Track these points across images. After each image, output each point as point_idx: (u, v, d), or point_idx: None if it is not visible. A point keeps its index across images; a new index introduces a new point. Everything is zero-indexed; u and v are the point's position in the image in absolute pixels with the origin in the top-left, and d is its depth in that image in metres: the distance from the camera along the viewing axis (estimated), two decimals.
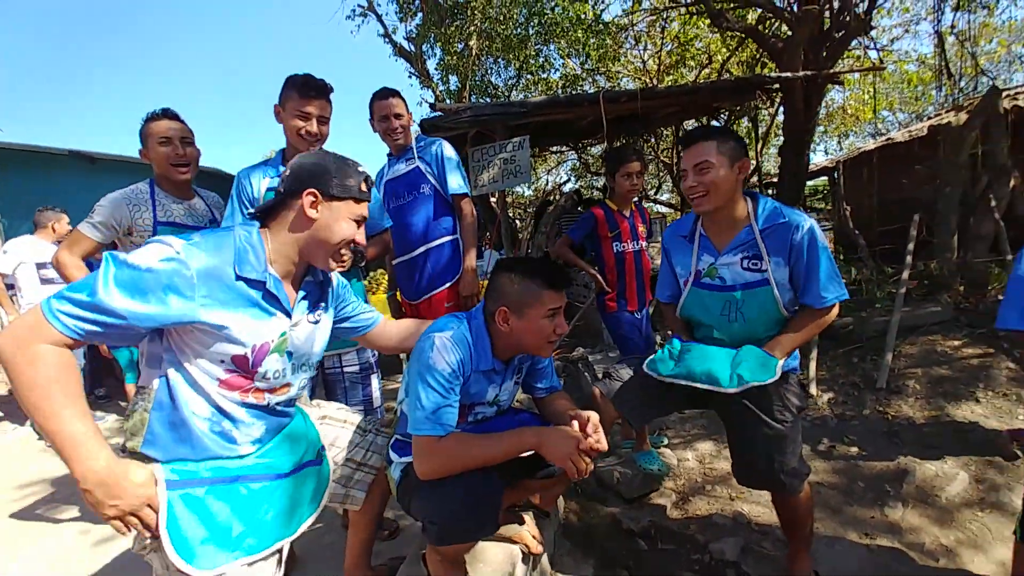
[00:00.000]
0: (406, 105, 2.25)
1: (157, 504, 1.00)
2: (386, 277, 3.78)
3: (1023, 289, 1.42)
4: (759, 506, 2.23)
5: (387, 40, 11.01)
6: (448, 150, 2.28)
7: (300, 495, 1.25)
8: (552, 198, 9.90)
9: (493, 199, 5.48)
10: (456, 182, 2.25)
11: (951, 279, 3.50)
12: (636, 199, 2.66)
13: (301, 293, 1.24)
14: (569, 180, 14.17)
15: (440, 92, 11.17)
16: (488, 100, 10.61)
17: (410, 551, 1.77)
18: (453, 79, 11.02)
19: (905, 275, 3.44)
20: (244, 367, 1.10)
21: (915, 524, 2.09)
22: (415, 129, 2.46)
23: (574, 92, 9.58)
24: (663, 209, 13.42)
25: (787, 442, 1.62)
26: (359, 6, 10.66)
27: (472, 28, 9.30)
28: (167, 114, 1.91)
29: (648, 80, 9.68)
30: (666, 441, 2.85)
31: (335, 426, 1.51)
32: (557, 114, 4.99)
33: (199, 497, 1.06)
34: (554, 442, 1.31)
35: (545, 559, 1.91)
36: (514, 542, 1.70)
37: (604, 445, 1.34)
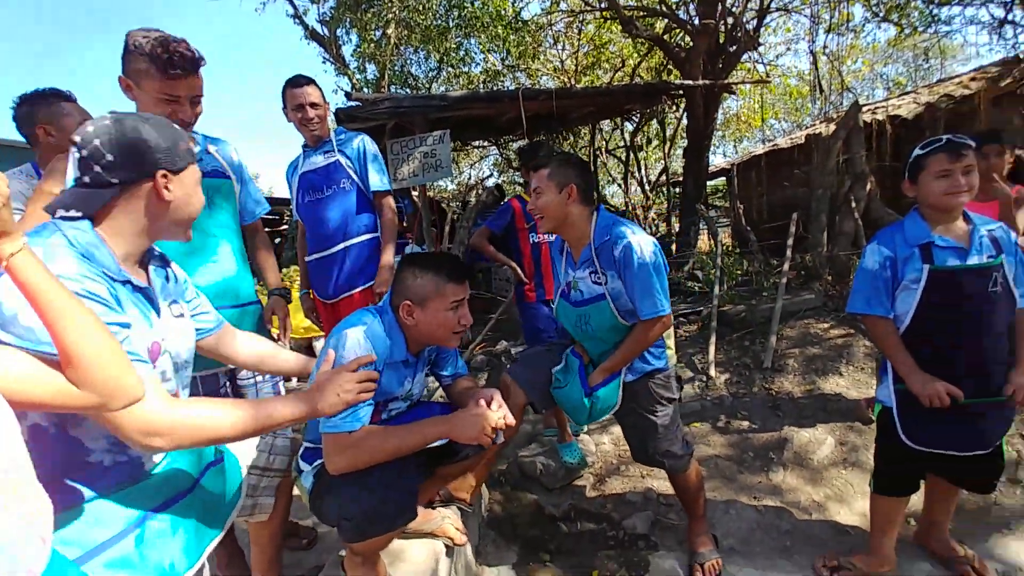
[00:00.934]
0: (322, 94, 2.18)
1: None
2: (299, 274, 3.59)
3: (866, 279, 1.67)
4: (665, 481, 2.42)
5: (297, 21, 10.32)
6: (371, 146, 2.23)
7: (212, 499, 1.18)
8: (475, 193, 9.92)
9: (415, 192, 5.38)
10: (378, 179, 2.21)
11: (821, 270, 4.02)
12: None
13: (159, 281, 1.13)
14: (491, 175, 14.26)
15: (357, 80, 10.71)
16: (408, 91, 10.35)
17: (329, 559, 1.72)
18: (371, 68, 10.62)
19: (785, 267, 3.89)
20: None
21: (793, 485, 2.40)
22: (331, 120, 2.37)
23: (495, 88, 9.64)
24: None
25: (658, 429, 1.81)
26: None
27: (390, 15, 9.00)
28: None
29: (566, 80, 9.98)
30: (585, 428, 2.99)
31: None
32: (477, 109, 5.02)
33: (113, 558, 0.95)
34: (462, 425, 1.38)
35: (469, 550, 1.95)
36: (436, 536, 1.72)
37: (511, 419, 1.43)
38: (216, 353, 1.34)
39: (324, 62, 10.92)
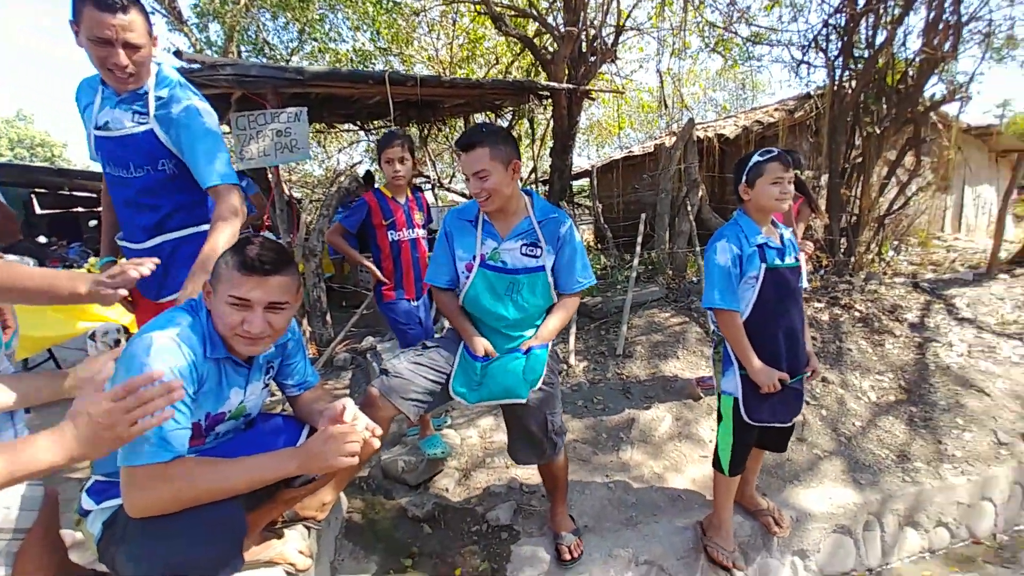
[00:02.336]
0: (147, 25, 1.52)
1: None
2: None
3: (721, 275, 1.82)
4: (527, 470, 2.49)
5: None
6: (208, 118, 1.65)
7: None
8: (343, 179, 9.26)
9: (270, 174, 4.80)
10: (218, 169, 1.63)
11: (664, 265, 4.53)
12: (425, 188, 2.66)
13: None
14: (362, 161, 13.47)
15: (197, 40, 9.26)
16: (263, 60, 9.25)
17: None
18: (216, 28, 9.25)
19: (635, 262, 4.30)
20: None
21: (639, 460, 2.64)
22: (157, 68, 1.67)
23: (363, 68, 9.09)
24: (457, 198, 13.91)
25: (555, 401, 1.87)
26: None
27: None
28: None
29: (440, 70, 9.82)
30: (449, 421, 2.95)
31: None
32: (339, 87, 4.64)
33: None
34: (315, 454, 1.15)
35: (319, 570, 1.77)
36: (275, 564, 1.52)
37: (377, 428, 1.25)
38: None
39: (153, 13, 9.21)
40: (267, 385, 1.39)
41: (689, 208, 4.57)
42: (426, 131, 9.11)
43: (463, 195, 12.78)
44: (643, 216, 4.69)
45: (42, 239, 6.07)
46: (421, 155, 11.57)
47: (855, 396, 3.04)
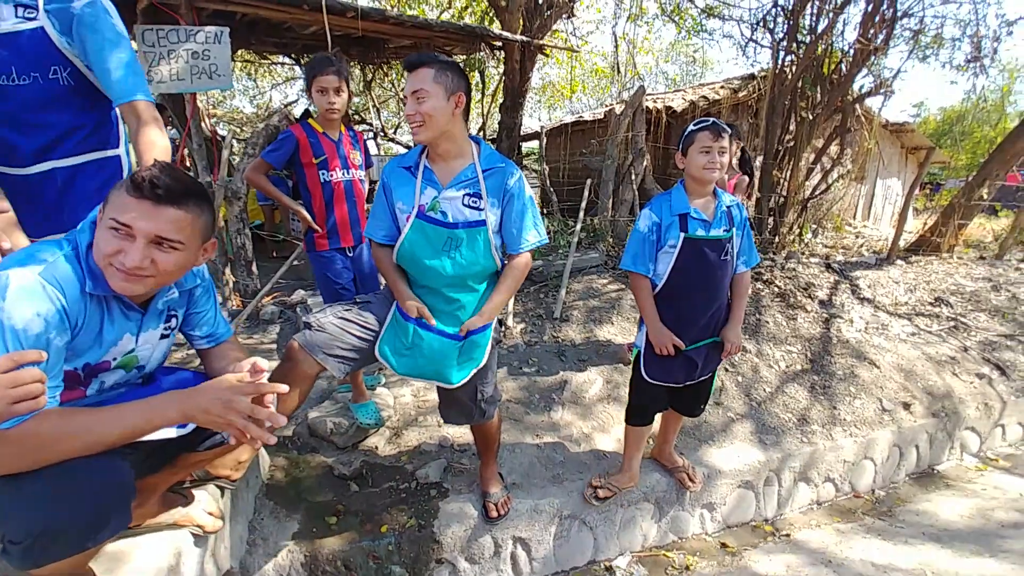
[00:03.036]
0: None
1: None
2: None
3: (636, 241, 1.91)
4: (459, 429, 2.49)
5: None
6: (117, 19, 1.39)
7: None
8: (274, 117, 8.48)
9: (186, 102, 4.26)
10: (137, 83, 1.39)
11: (605, 232, 4.60)
12: (368, 138, 2.44)
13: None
14: (298, 100, 12.40)
15: None
16: None
17: None
18: None
19: (578, 227, 4.32)
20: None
21: (569, 421, 2.72)
22: None
23: None
24: (402, 150, 13.26)
25: (487, 372, 1.81)
26: None
27: None
28: None
29: (389, 6, 9.07)
30: (383, 380, 2.88)
31: None
32: (267, 9, 4.14)
33: None
34: (204, 405, 0.97)
35: (229, 533, 1.68)
36: (180, 526, 1.42)
37: (280, 388, 1.06)
38: None
39: None
40: (167, 335, 1.23)
41: (634, 177, 4.62)
42: (370, 74, 8.49)
43: (408, 146, 12.21)
44: (588, 182, 4.69)
45: None
46: (364, 101, 10.78)
47: (767, 365, 3.29)
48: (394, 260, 1.70)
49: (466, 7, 8.73)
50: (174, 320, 1.24)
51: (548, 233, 5.06)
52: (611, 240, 4.55)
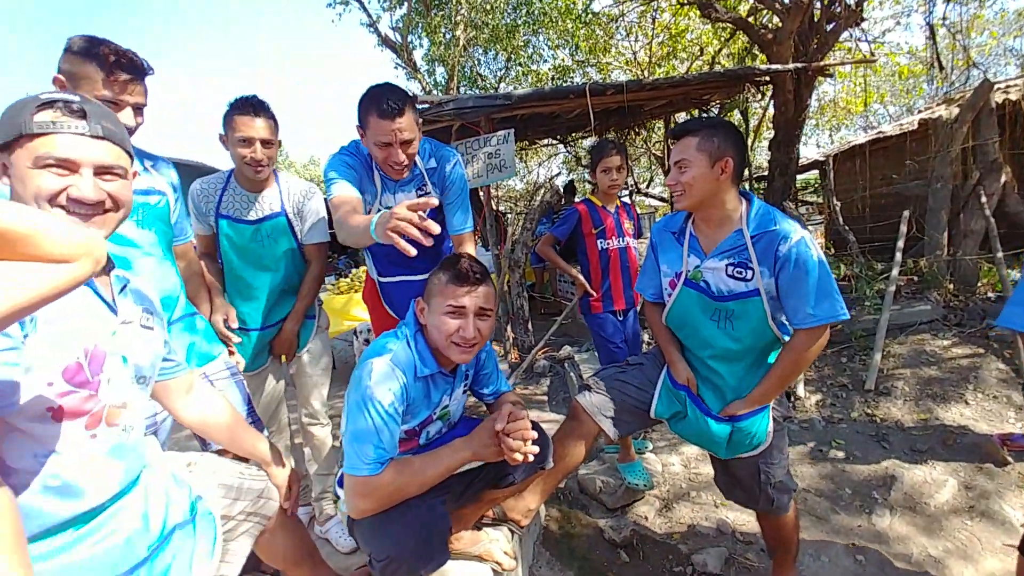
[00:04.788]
0: (417, 117, 1.64)
1: None
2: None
3: None
4: (744, 514, 2.16)
5: (372, 29, 10.76)
6: (465, 178, 1.89)
7: (177, 569, 1.04)
8: (542, 192, 9.81)
9: (481, 193, 5.36)
10: (466, 221, 1.85)
11: (940, 277, 3.44)
12: (623, 195, 2.59)
13: (118, 286, 1.04)
14: (560, 173, 14.05)
15: (427, 84, 10.98)
16: (476, 91, 10.46)
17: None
18: (440, 70, 10.84)
19: (895, 272, 3.38)
20: (78, 379, 0.87)
21: (902, 533, 2.04)
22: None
23: (563, 84, 9.45)
24: (654, 203, 13.32)
25: (773, 452, 1.56)
26: None
27: (459, 17, 9.11)
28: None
29: (639, 72, 9.56)
30: (651, 447, 2.77)
31: (204, 472, 1.25)
32: (543, 106, 4.88)
33: None
34: (480, 443, 1.29)
35: (520, 573, 1.83)
36: (484, 560, 1.62)
37: (530, 434, 1.28)
38: (165, 400, 1.23)
39: (396, 67, 11.32)
40: (466, 391, 1.55)
41: (984, 200, 3.39)
42: (623, 137, 8.99)
43: (661, 199, 12.21)
44: (905, 214, 3.67)
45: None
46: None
47: None
48: (663, 322, 1.66)
49: (719, 50, 8.41)
50: (468, 379, 1.54)
51: (846, 279, 4.15)
52: (950, 287, 3.40)
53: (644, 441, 2.79)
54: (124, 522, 0.95)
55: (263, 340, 1.95)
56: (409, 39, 10.75)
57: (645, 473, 2.40)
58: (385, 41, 10.89)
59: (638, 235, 2.63)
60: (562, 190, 6.29)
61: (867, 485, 2.27)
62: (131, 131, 1.38)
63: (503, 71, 10.95)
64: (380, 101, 1.49)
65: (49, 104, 0.88)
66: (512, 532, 1.85)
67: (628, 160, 2.47)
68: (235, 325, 1.81)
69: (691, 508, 2.34)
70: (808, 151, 10.75)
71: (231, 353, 1.78)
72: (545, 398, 3.74)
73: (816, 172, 9.71)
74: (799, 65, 4.64)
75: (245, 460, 1.39)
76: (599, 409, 1.64)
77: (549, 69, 10.44)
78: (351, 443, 1.21)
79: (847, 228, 4.51)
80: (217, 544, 1.15)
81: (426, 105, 4.84)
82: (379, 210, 1.78)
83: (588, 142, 10.38)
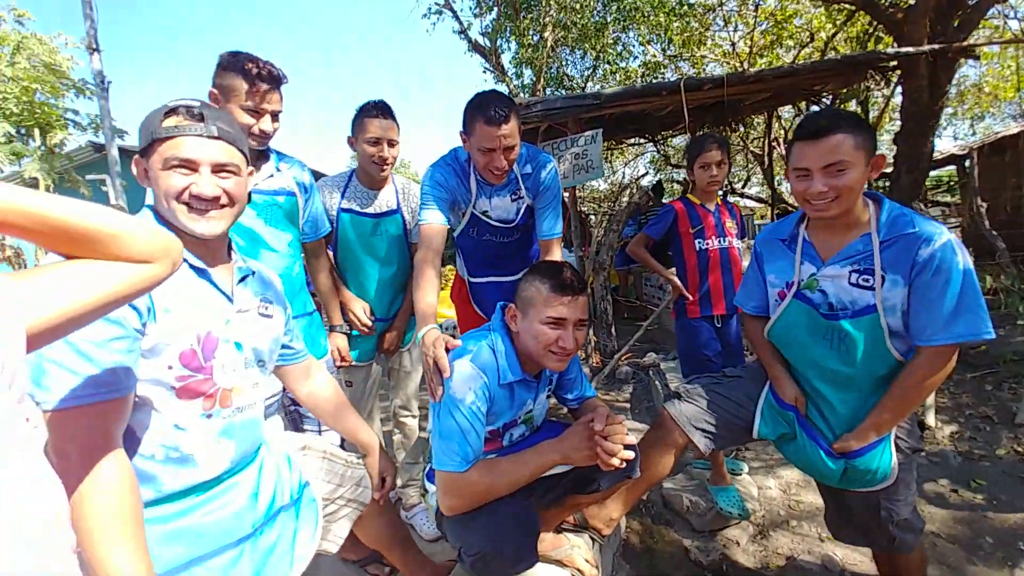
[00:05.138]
0: (519, 124, 1.67)
1: None
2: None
3: None
4: (856, 552, 1.93)
5: (463, 36, 11.14)
6: (557, 179, 1.98)
7: (278, 547, 1.12)
8: (628, 192, 9.53)
9: (565, 194, 5.34)
10: (556, 225, 1.92)
11: None
12: (722, 194, 2.42)
13: (238, 277, 1.12)
14: (647, 173, 13.57)
15: (515, 87, 11.14)
16: (563, 92, 10.42)
17: (457, 565, 1.73)
18: (528, 72, 10.95)
19: None
20: (194, 364, 0.97)
21: None
22: None
23: (653, 80, 9.11)
24: (752, 204, 12.40)
25: (899, 488, 1.38)
26: (435, 3, 10.89)
27: (547, 19, 9.14)
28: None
29: (737, 64, 8.95)
30: (746, 468, 2.57)
31: (315, 456, 1.35)
32: (633, 105, 4.73)
33: None
34: (572, 446, 1.26)
35: None
36: (564, 566, 1.60)
37: (627, 439, 1.26)
38: (293, 387, 1.37)
39: (484, 72, 11.62)
40: (549, 396, 1.55)
41: None
42: (718, 134, 8.45)
43: (760, 199, 11.32)
44: None
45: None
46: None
47: None
48: (766, 337, 1.53)
49: (834, 34, 7.59)
50: (551, 383, 1.54)
51: (993, 293, 3.55)
52: None
53: (738, 462, 2.59)
54: (235, 497, 1.06)
55: (379, 332, 2.09)
56: (498, 43, 10.98)
57: (741, 502, 2.21)
58: (475, 47, 11.23)
59: (743, 235, 2.43)
60: (651, 190, 6.07)
61: (1013, 535, 1.93)
62: (268, 136, 1.54)
63: (590, 70, 10.81)
64: (487, 108, 1.51)
65: (174, 111, 0.99)
66: (593, 540, 1.82)
67: (729, 155, 2.30)
68: (371, 317, 1.97)
69: (791, 538, 2.13)
70: (943, 144, 9.38)
71: (350, 339, 1.94)
72: (627, 405, 3.63)
73: (952, 168, 8.45)
74: (937, 47, 4.05)
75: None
76: (689, 420, 1.55)
77: (639, 66, 10.13)
78: (439, 441, 1.26)
79: (994, 233, 3.86)
80: (318, 528, 1.25)
81: None
82: (472, 214, 1.85)
83: (678, 140, 9.94)
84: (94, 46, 4.44)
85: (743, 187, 12.15)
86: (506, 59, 11.36)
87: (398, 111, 1.92)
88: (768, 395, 1.53)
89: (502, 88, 11.42)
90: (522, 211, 1.85)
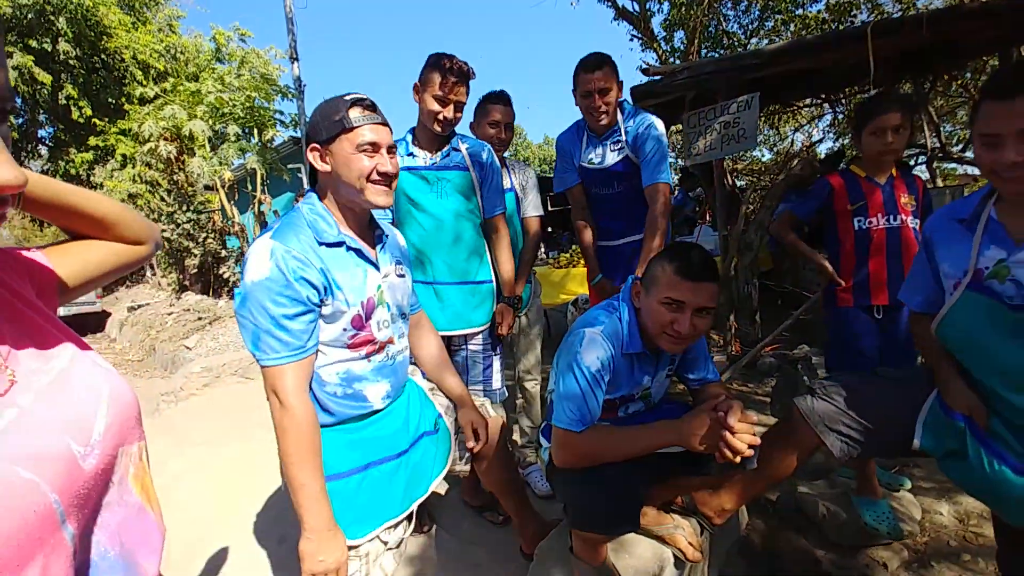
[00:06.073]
0: (615, 74, 2.02)
1: (345, 571, 1.12)
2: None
3: None
4: None
5: (608, 4, 10.65)
6: (663, 137, 2.11)
7: (423, 464, 1.39)
8: (795, 163, 8.31)
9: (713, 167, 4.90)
10: (662, 169, 2.10)
11: None
12: (919, 162, 2.04)
13: (379, 246, 1.32)
14: (823, 139, 11.61)
15: (664, 52, 10.39)
16: (720, 54, 9.40)
17: (563, 521, 1.85)
18: (679, 35, 10.10)
19: None
20: (360, 325, 1.22)
21: None
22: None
23: (842, 27, 7.65)
24: (971, 170, 9.81)
25: None
26: None
27: None
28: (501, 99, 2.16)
29: None
30: (908, 484, 2.21)
31: (442, 398, 1.59)
32: (802, 62, 4.11)
33: (341, 486, 1.20)
34: (691, 430, 1.26)
35: (704, 570, 1.75)
36: (667, 543, 1.62)
37: (753, 439, 1.22)
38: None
39: (631, 39, 11.00)
40: (670, 375, 1.55)
41: None
42: (927, 86, 6.83)
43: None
44: None
45: (549, 229, 8.69)
46: (916, 120, 8.65)
47: None
48: (935, 336, 1.30)
49: None
50: (674, 362, 1.53)
51: None
52: None
53: (901, 477, 2.23)
54: (394, 420, 1.36)
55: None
56: (648, 5, 10.30)
57: (891, 518, 1.93)
58: (622, 14, 10.68)
59: (925, 212, 2.02)
60: (820, 161, 5.24)
61: None
62: (451, 123, 1.79)
63: (755, 24, 9.54)
64: (585, 60, 2.02)
65: (355, 104, 1.17)
66: (702, 527, 1.78)
67: (914, 119, 1.90)
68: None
69: (959, 572, 1.80)
70: None
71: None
72: (767, 400, 3.33)
73: None
74: None
75: None
76: (822, 419, 1.41)
77: (820, 11, 8.60)
78: (559, 400, 1.36)
79: None
80: (452, 451, 1.53)
81: (658, 77, 4.64)
82: (581, 166, 2.23)
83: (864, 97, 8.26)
84: (294, 56, 5.39)
85: (960, 150, 9.61)
86: (656, 23, 10.63)
87: (538, 91, 2.17)
88: (934, 402, 1.31)
89: (650, 56, 10.74)
90: (621, 160, 2.12)
